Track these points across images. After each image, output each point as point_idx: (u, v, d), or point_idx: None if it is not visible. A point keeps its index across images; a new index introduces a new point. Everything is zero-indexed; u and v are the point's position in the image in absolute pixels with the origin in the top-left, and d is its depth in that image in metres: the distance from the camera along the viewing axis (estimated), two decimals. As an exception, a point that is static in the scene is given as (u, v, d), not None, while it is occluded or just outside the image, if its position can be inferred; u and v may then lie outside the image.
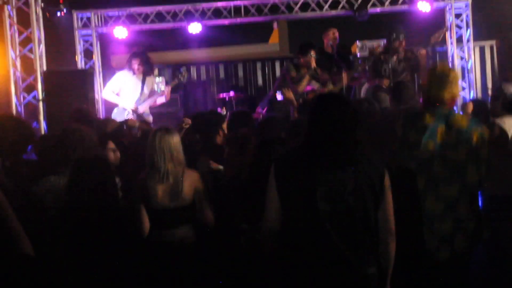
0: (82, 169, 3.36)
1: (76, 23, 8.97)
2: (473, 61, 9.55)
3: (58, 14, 7.90)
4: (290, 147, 3.60)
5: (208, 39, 10.07)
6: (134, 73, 7.31)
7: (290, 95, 6.41)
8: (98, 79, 9.02)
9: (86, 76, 7.56)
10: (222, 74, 10.56)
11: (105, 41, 9.34)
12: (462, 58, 9.46)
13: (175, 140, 3.86)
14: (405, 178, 3.52)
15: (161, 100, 7.54)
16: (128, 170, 4.24)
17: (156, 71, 10.04)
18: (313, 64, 7.45)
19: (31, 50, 7.65)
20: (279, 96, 7.02)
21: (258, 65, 10.55)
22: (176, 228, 3.79)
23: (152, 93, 7.48)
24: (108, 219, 3.27)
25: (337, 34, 8.09)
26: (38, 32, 7.62)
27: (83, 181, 3.31)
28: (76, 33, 8.96)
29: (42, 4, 7.69)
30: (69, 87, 7.22)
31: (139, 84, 7.35)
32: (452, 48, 9.40)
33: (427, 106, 3.75)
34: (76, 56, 8.92)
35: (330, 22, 9.30)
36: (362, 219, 2.79)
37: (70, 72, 7.82)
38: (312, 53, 7.44)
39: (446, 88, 3.65)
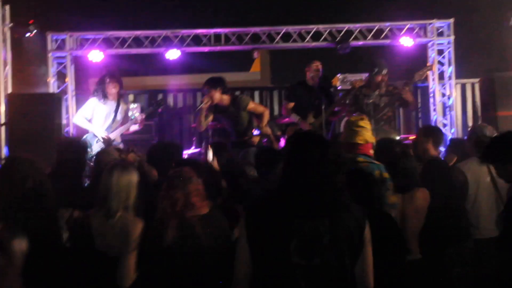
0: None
1: (50, 45, 8.68)
2: (455, 99, 9.46)
3: (27, 35, 7.58)
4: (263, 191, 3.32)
5: (188, 65, 9.86)
6: (107, 98, 6.97)
7: (268, 130, 6.18)
8: (70, 102, 8.71)
9: (54, 101, 7.21)
10: (199, 102, 10.27)
11: (80, 64, 9.03)
12: (443, 95, 9.37)
13: (132, 179, 3.53)
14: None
15: (134, 128, 7.23)
16: None
17: (131, 97, 9.78)
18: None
19: (-4, 71, 7.31)
20: (255, 132, 6.77)
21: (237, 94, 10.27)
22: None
23: (125, 120, 7.18)
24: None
25: (320, 67, 7.85)
26: (4, 53, 7.28)
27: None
28: (50, 55, 8.66)
29: (11, 24, 7.36)
30: (35, 111, 6.88)
31: (112, 110, 7.03)
32: (433, 84, 9.32)
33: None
34: (49, 79, 8.61)
35: (313, 53, 9.17)
36: (339, 275, 2.54)
37: (37, 95, 7.46)
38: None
39: (357, 135, 4.17)
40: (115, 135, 6.99)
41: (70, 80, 8.77)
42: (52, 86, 8.67)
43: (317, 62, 7.80)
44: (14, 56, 7.54)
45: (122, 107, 7.12)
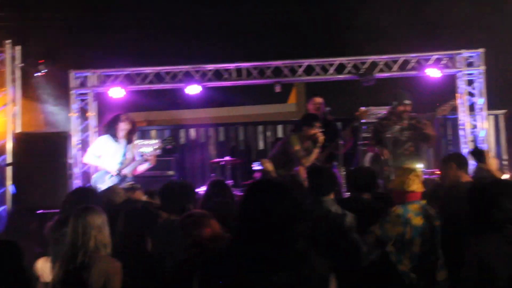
0: None
1: (73, 82, 8.78)
2: (487, 130, 9.03)
3: (37, 74, 7.68)
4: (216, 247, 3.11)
5: (211, 99, 9.81)
6: (117, 137, 7.00)
7: (270, 166, 5.97)
8: (92, 139, 8.73)
9: (60, 140, 7.24)
10: (222, 137, 10.18)
11: (102, 101, 9.08)
12: (475, 127, 8.95)
13: (98, 220, 3.54)
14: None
15: (143, 166, 7.14)
16: None
17: (153, 133, 9.77)
18: (321, 137, 6.84)
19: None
20: (256, 167, 6.57)
21: (260, 128, 10.12)
22: None
23: (134, 158, 7.16)
24: None
25: (319, 102, 7.71)
26: (13, 92, 7.37)
27: None
28: (72, 92, 8.75)
29: (21, 64, 7.46)
30: (41, 150, 6.96)
31: (122, 148, 7.04)
32: (463, 116, 8.93)
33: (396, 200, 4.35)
34: (71, 116, 8.69)
35: (349, 84, 9.01)
36: None
37: (43, 134, 7.53)
38: (318, 124, 6.91)
39: (408, 185, 4.27)
40: (126, 172, 6.97)
41: (92, 117, 8.83)
42: (75, 123, 8.75)
43: (318, 98, 7.72)
44: (30, 95, 7.62)
45: (131, 145, 7.11)
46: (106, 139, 7.08)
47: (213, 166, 8.91)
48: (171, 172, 8.61)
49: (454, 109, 8.79)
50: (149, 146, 7.80)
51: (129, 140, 7.08)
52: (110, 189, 5.35)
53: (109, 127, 7.03)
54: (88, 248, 3.41)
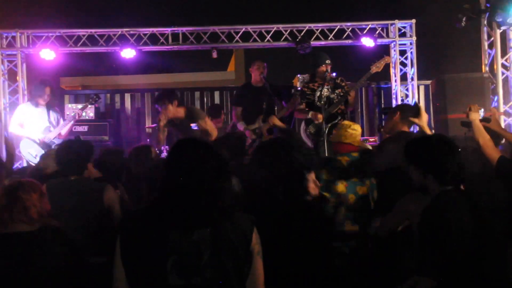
0: None
1: (-1, 42, 8.43)
2: (418, 100, 9.33)
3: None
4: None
5: (149, 65, 9.65)
6: (38, 104, 6.87)
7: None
8: (22, 101, 8.42)
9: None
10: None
11: (32, 63, 8.74)
12: (406, 96, 9.23)
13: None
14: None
15: (67, 126, 7.01)
16: None
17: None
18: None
19: None
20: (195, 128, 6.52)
21: (197, 94, 10.05)
22: None
23: (59, 121, 7.08)
24: None
25: (261, 66, 7.56)
26: None
27: None
28: (-1, 53, 8.41)
29: None
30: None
31: (45, 114, 6.93)
32: (396, 85, 9.18)
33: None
34: (-2, 78, 8.36)
35: (288, 51, 9.02)
36: None
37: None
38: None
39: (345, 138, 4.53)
40: (53, 135, 6.87)
41: (21, 79, 8.51)
42: (3, 85, 8.42)
43: (259, 62, 7.57)
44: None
45: (52, 111, 7.02)
46: (26, 106, 7.04)
47: (149, 131, 8.80)
48: (105, 137, 8.44)
49: (388, 66, 8.93)
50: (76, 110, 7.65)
51: (50, 104, 6.97)
52: (46, 155, 5.19)
53: (32, 95, 6.92)
54: None
